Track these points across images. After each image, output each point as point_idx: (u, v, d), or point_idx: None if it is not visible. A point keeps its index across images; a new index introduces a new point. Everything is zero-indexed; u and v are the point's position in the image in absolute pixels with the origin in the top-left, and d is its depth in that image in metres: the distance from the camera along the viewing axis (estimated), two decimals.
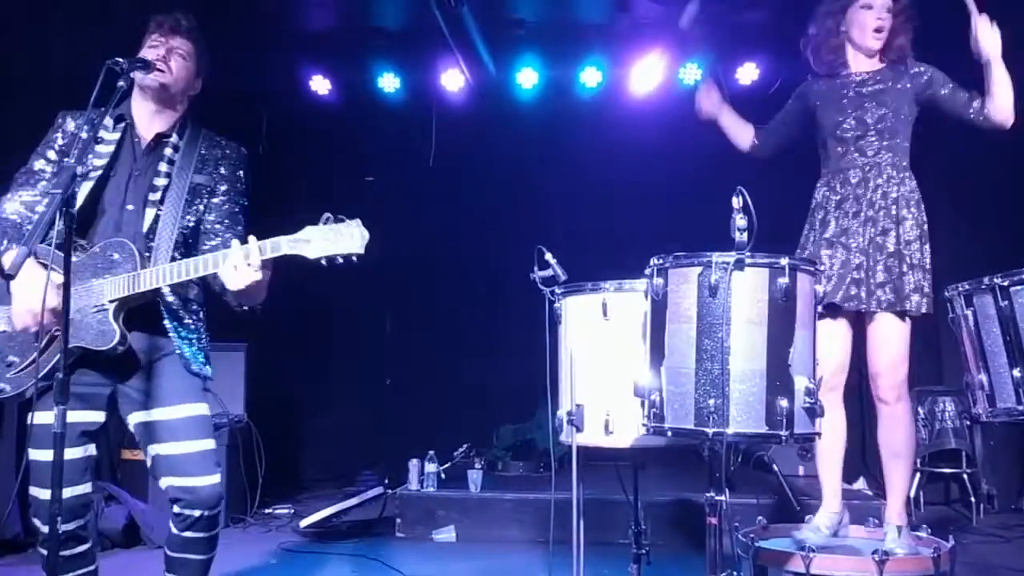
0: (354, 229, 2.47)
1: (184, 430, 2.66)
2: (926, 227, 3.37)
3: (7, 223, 2.69)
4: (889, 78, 3.44)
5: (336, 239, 2.46)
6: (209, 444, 2.70)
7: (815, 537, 3.26)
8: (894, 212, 3.33)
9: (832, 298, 3.29)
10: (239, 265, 2.49)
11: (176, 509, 2.67)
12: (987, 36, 3.22)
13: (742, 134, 3.77)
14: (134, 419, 2.70)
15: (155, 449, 2.67)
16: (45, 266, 2.49)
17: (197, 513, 2.64)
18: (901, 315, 3.30)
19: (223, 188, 2.84)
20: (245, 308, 2.70)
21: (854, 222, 3.36)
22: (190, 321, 2.77)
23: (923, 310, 3.30)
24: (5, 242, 2.65)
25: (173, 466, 2.65)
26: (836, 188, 3.43)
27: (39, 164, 2.75)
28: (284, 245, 2.50)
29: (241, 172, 2.90)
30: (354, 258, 2.47)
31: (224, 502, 2.72)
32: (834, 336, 3.37)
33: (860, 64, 3.51)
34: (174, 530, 2.69)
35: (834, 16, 3.50)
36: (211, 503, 2.65)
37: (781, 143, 3.73)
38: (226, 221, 2.82)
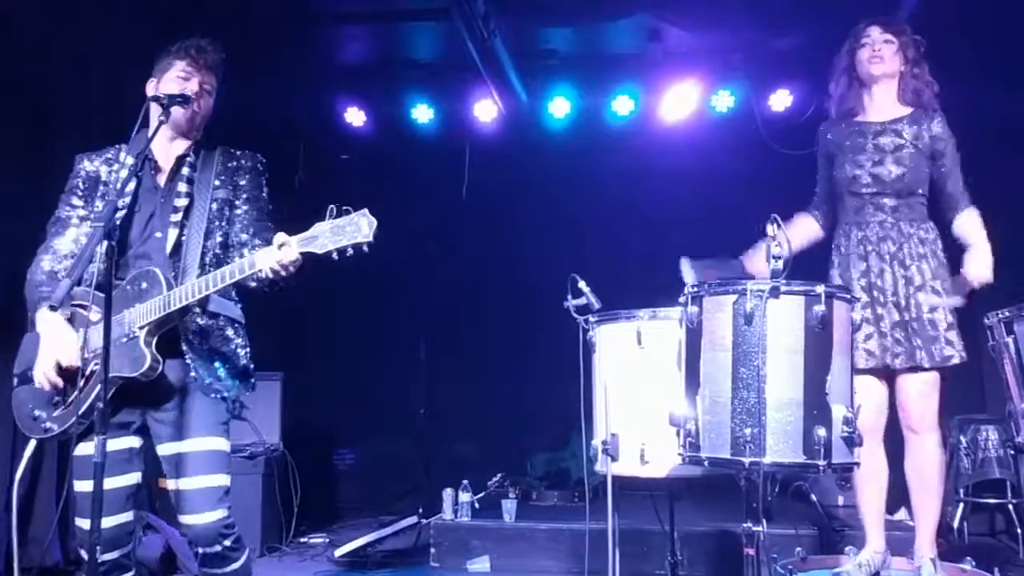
0: (361, 219, 2.39)
1: (194, 465, 2.65)
2: (947, 273, 3.33)
3: (40, 282, 2.68)
4: (907, 131, 3.38)
5: (343, 231, 2.39)
6: (216, 480, 2.66)
7: (857, 572, 3.21)
8: (924, 268, 3.29)
9: (872, 363, 3.24)
10: (275, 261, 2.47)
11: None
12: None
13: (808, 233, 3.62)
14: (161, 451, 2.71)
15: (171, 484, 2.69)
16: (83, 307, 2.55)
17: (201, 550, 2.64)
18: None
19: (244, 197, 2.85)
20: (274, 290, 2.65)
21: (879, 280, 3.30)
22: (218, 342, 2.73)
23: (953, 361, 3.24)
24: (40, 300, 2.64)
25: (179, 501, 2.66)
26: (858, 240, 3.38)
27: (66, 212, 2.79)
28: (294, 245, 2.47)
29: (262, 179, 2.90)
30: (364, 248, 2.39)
31: (234, 539, 2.68)
32: (870, 380, 3.30)
33: (881, 112, 3.47)
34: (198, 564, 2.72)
35: (846, 67, 3.52)
36: (207, 540, 2.63)
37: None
38: (251, 229, 2.81)
